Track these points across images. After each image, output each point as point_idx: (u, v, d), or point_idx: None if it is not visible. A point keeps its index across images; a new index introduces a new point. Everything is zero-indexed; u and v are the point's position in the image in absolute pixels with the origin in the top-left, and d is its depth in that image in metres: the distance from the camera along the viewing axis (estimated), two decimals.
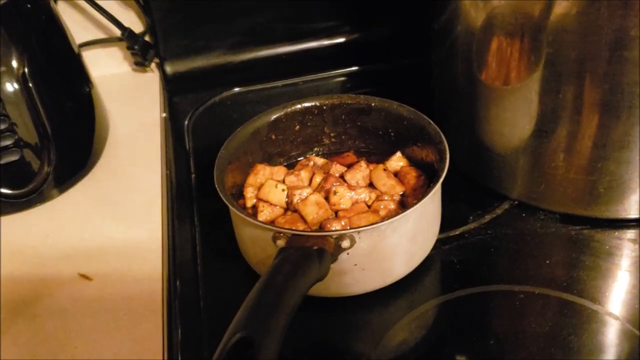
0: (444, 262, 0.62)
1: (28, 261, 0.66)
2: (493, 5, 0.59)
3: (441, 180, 0.57)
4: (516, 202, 0.67)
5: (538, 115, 0.61)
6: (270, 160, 0.68)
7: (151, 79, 0.92)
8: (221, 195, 0.58)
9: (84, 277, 0.64)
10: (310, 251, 0.51)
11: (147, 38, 0.90)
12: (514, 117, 0.63)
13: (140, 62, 0.91)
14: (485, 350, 0.55)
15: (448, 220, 0.64)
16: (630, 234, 0.63)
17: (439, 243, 0.62)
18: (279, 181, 0.64)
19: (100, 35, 0.90)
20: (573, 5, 0.54)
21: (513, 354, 0.54)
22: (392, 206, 0.61)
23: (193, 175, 0.76)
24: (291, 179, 0.65)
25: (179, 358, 0.56)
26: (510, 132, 0.64)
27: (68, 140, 0.75)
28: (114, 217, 0.71)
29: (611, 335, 0.55)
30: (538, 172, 0.64)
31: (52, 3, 0.75)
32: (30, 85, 0.69)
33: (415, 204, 0.55)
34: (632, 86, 0.55)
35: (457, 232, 0.65)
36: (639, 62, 0.54)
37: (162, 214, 0.70)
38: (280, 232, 0.54)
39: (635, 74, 0.55)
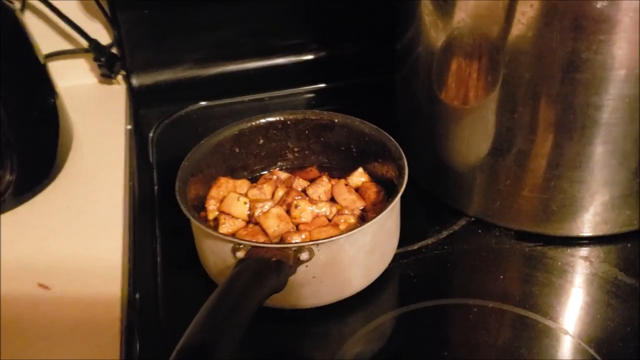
0: (402, 276, 0.63)
1: None
2: (452, 26, 0.60)
3: (399, 195, 0.58)
4: (473, 219, 0.68)
5: (494, 134, 0.62)
6: (233, 174, 0.69)
7: (117, 91, 0.92)
8: (182, 207, 0.58)
9: (42, 286, 0.63)
10: (269, 262, 0.52)
11: (114, 50, 0.90)
12: (472, 136, 0.64)
13: (107, 74, 0.90)
14: None
15: (407, 235, 0.64)
16: (583, 251, 0.65)
17: (397, 257, 0.63)
18: (241, 194, 0.64)
19: (67, 46, 0.90)
20: (529, 28, 0.55)
21: None
22: (352, 220, 0.62)
23: (156, 188, 0.76)
24: (254, 193, 0.65)
25: None
26: (467, 150, 0.65)
27: (31, 151, 0.74)
28: (75, 228, 0.70)
29: (561, 349, 0.57)
30: (494, 190, 0.65)
31: (17, 12, 0.75)
32: None
33: (374, 217, 0.56)
34: (584, 107, 0.57)
35: (415, 247, 0.66)
36: (591, 84, 0.56)
37: (124, 226, 0.70)
38: (239, 244, 0.54)
39: (586, 96, 0.57)
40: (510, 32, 0.56)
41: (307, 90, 0.92)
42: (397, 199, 0.59)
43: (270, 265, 0.51)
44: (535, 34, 0.55)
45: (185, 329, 0.45)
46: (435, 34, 0.63)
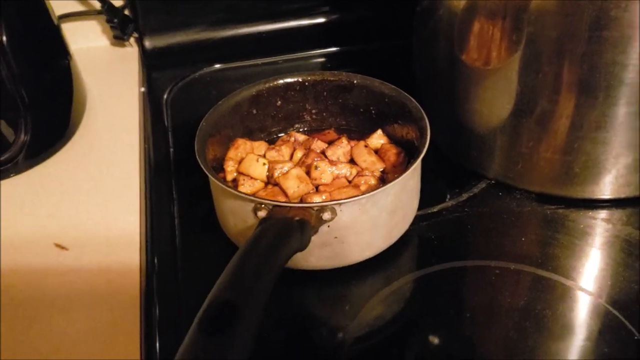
0: (422, 238, 0.63)
1: (2, 232, 0.65)
2: None
3: (422, 155, 0.58)
4: (493, 181, 0.68)
5: (517, 94, 0.61)
6: (250, 135, 0.68)
7: (130, 54, 0.91)
8: (202, 166, 0.57)
9: (60, 247, 0.63)
10: (292, 222, 0.51)
11: (126, 12, 0.89)
12: (494, 97, 0.63)
13: (120, 36, 0.89)
14: (460, 324, 0.56)
15: (427, 198, 0.64)
16: (604, 214, 0.64)
17: (417, 219, 0.63)
18: (260, 155, 0.63)
19: (80, 7, 0.89)
20: None
21: (488, 328, 0.55)
22: (373, 182, 0.61)
23: (171, 150, 0.75)
24: (272, 154, 0.65)
25: (157, 331, 0.56)
26: (489, 112, 0.64)
27: (45, 112, 0.74)
28: (91, 190, 0.70)
29: (584, 309, 0.57)
30: (515, 152, 0.65)
31: None
32: (8, 56, 0.68)
33: (397, 177, 0.56)
34: (610, 66, 0.56)
35: (435, 209, 0.65)
36: (618, 42, 0.55)
37: (140, 188, 0.70)
38: (261, 203, 0.54)
39: (613, 54, 0.55)
40: None
41: (321, 53, 0.91)
42: (419, 160, 0.58)
43: (293, 225, 0.51)
44: None
45: (205, 290, 0.44)
46: None
